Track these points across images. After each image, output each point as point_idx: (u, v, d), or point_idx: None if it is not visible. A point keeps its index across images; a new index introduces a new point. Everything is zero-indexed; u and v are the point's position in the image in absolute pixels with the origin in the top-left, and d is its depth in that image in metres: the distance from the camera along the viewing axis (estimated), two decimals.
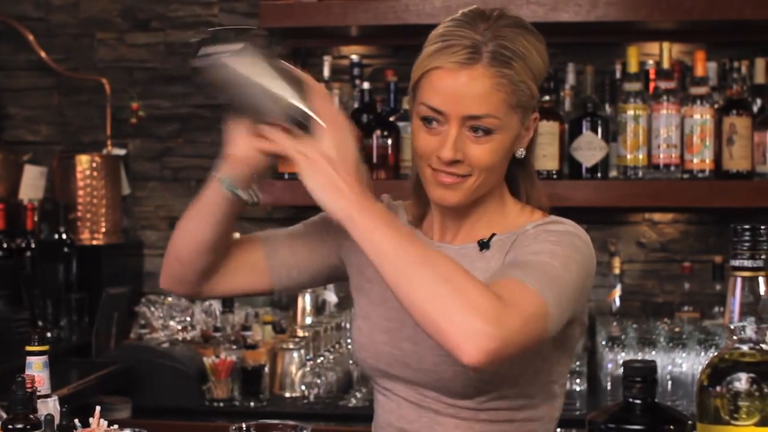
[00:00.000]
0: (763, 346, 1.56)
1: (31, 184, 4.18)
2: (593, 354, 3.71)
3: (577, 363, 3.54)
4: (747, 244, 1.53)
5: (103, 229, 4.11)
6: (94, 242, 4.09)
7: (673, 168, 3.68)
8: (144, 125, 4.30)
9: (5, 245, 3.95)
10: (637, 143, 3.68)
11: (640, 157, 3.68)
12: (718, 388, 1.54)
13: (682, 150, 3.67)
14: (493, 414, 2.01)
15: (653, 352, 3.50)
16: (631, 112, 3.68)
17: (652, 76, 3.86)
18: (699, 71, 3.67)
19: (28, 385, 1.86)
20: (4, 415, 1.87)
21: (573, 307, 1.92)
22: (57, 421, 1.89)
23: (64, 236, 3.94)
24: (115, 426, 1.90)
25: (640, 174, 3.69)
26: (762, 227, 1.53)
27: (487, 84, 1.91)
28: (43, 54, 4.30)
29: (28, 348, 1.98)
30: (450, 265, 1.78)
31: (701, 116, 3.65)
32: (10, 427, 1.81)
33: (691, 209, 3.99)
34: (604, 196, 3.70)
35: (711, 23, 3.77)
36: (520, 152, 2.03)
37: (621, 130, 3.70)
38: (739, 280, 1.55)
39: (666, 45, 3.69)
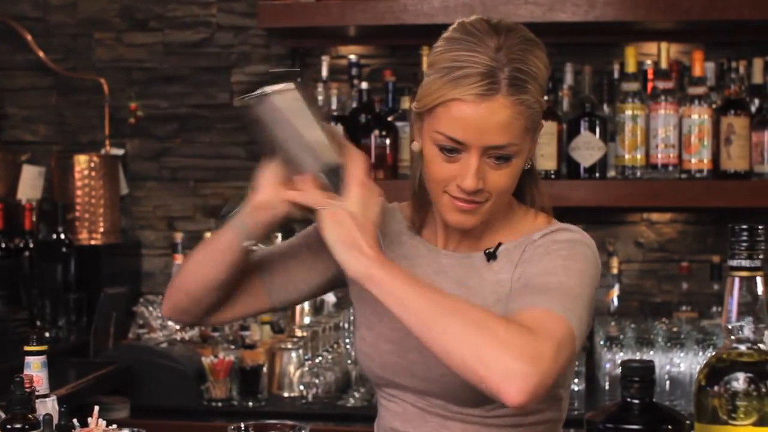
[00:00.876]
0: (761, 345, 1.56)
1: (30, 184, 4.18)
2: (591, 354, 3.71)
3: (576, 363, 3.54)
4: (745, 244, 1.53)
5: (102, 229, 4.12)
6: (93, 242, 4.09)
7: (671, 168, 3.68)
8: (142, 125, 4.30)
9: (3, 245, 3.96)
10: (635, 143, 3.68)
11: (638, 156, 3.68)
12: (716, 388, 1.55)
13: (680, 150, 3.68)
14: (501, 420, 2.01)
15: (651, 352, 3.50)
16: (629, 112, 3.68)
17: (650, 76, 3.85)
18: (697, 71, 3.67)
19: (27, 385, 1.87)
20: (3, 415, 1.87)
21: (591, 319, 1.95)
22: (55, 420, 1.89)
23: (62, 236, 3.94)
24: (114, 426, 1.90)
25: (638, 174, 3.69)
26: (760, 227, 1.54)
27: (508, 114, 1.90)
28: (41, 54, 4.30)
29: (27, 348, 1.98)
30: (476, 310, 1.80)
31: (699, 116, 3.65)
32: (8, 426, 1.81)
33: (689, 209, 3.99)
34: (602, 196, 3.71)
35: (709, 23, 3.77)
36: (528, 163, 2.03)
37: (619, 130, 3.70)
38: (737, 280, 1.55)
39: (664, 45, 3.69)
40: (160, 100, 4.31)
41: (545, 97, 3.67)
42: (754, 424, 1.52)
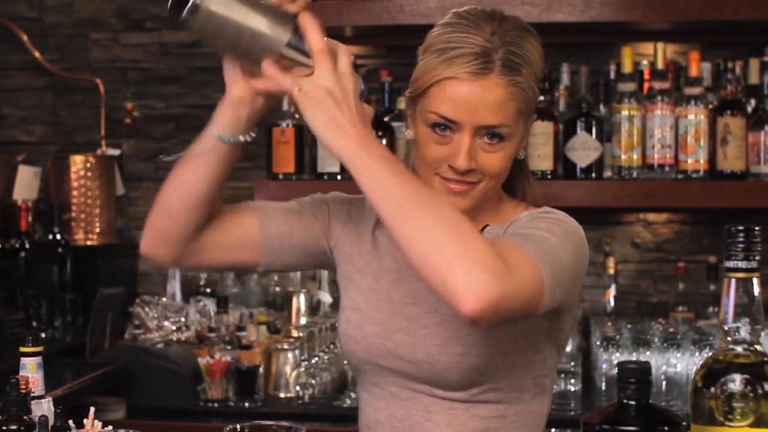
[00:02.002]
0: (758, 347, 1.56)
1: (26, 184, 4.19)
2: (588, 354, 3.72)
3: (572, 363, 3.55)
4: (741, 245, 1.53)
5: (98, 230, 4.12)
6: (89, 243, 4.09)
7: (667, 168, 3.68)
8: (138, 125, 4.31)
9: (0, 246, 3.96)
10: (631, 143, 3.68)
11: (635, 157, 3.68)
12: (712, 389, 1.55)
13: (676, 150, 3.67)
14: (485, 409, 2.01)
15: (648, 353, 3.51)
16: (625, 113, 3.68)
17: (646, 76, 3.85)
18: (693, 71, 3.66)
19: (23, 386, 1.86)
20: None
21: (566, 290, 1.92)
22: (51, 422, 1.89)
23: (58, 237, 3.95)
24: (110, 427, 1.90)
25: (635, 174, 3.69)
26: (756, 228, 1.54)
27: (501, 93, 1.91)
28: (37, 54, 4.32)
29: (23, 349, 1.98)
30: (453, 213, 1.75)
31: (695, 116, 3.65)
32: (4, 428, 1.81)
33: (685, 209, 3.99)
34: (598, 196, 3.70)
35: (705, 23, 3.77)
36: (521, 153, 2.04)
37: (615, 131, 3.70)
38: (733, 281, 1.55)
39: (660, 45, 3.69)
40: (156, 101, 4.32)
41: (541, 97, 3.69)
42: (751, 426, 1.52)
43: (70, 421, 1.94)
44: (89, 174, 4.10)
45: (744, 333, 1.55)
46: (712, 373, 1.56)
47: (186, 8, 1.73)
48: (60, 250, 3.94)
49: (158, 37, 4.32)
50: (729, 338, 1.56)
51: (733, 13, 3.64)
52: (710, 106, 3.71)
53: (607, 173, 3.76)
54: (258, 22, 1.77)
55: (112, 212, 4.20)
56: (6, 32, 4.34)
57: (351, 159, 1.76)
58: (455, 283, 1.68)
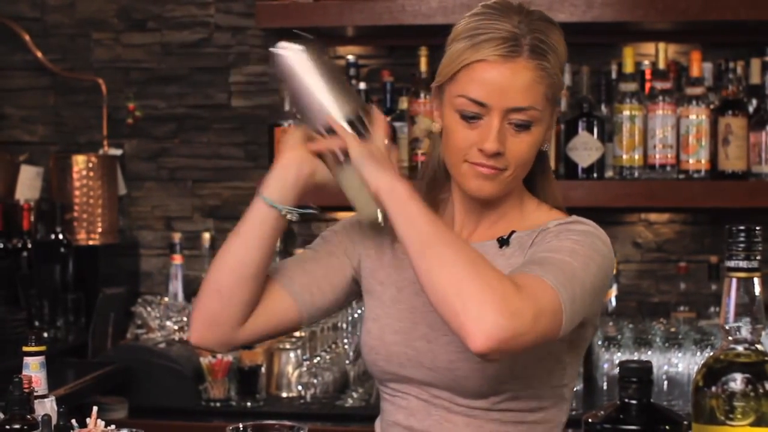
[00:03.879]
0: (758, 346, 1.57)
1: (28, 184, 4.18)
2: (589, 354, 3.71)
3: (580, 364, 3.55)
4: (742, 245, 1.54)
5: (100, 230, 4.11)
6: (91, 242, 4.09)
7: (668, 168, 3.69)
8: (140, 125, 4.30)
9: (2, 245, 3.94)
10: (633, 143, 3.69)
11: (636, 157, 3.70)
12: (713, 389, 1.55)
13: (677, 150, 3.69)
14: (504, 415, 2.02)
15: (649, 352, 3.52)
16: (627, 113, 3.69)
17: (647, 76, 3.86)
18: (695, 72, 3.68)
19: (26, 386, 1.88)
20: (2, 416, 1.87)
21: (587, 309, 1.94)
22: (54, 421, 1.90)
23: (60, 236, 3.95)
24: (112, 426, 1.90)
25: (636, 174, 3.70)
26: (757, 228, 1.54)
27: (529, 76, 1.94)
28: (39, 54, 4.30)
29: (25, 348, 1.99)
30: (475, 253, 1.82)
31: (697, 116, 3.66)
32: (7, 427, 1.82)
33: (686, 209, 4.00)
34: (600, 196, 3.71)
35: (706, 24, 3.78)
36: (546, 145, 2.06)
37: (617, 131, 3.71)
38: (734, 281, 1.56)
39: (662, 45, 3.70)
40: (158, 101, 4.31)
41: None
42: (752, 425, 1.53)
43: (73, 421, 1.95)
44: (91, 174, 4.10)
45: (745, 332, 1.55)
46: (713, 373, 1.56)
47: (277, 48, 1.96)
48: (62, 249, 3.94)
49: (160, 37, 4.32)
50: (730, 338, 1.56)
51: (734, 13, 3.65)
52: (711, 106, 3.72)
53: (609, 173, 3.77)
54: (333, 91, 1.96)
55: (114, 212, 4.20)
56: (8, 32, 4.33)
57: (393, 191, 1.88)
58: (467, 320, 1.74)
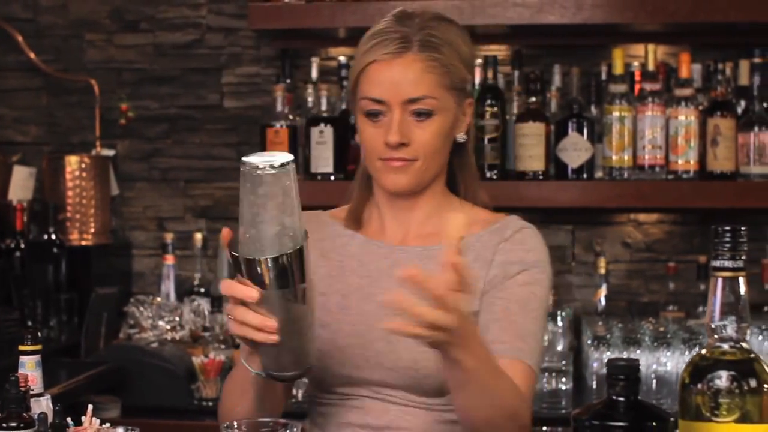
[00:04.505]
0: (744, 344, 1.60)
1: (21, 184, 4.19)
2: (579, 353, 3.75)
3: (563, 362, 3.58)
4: (728, 245, 1.57)
5: (92, 230, 4.13)
6: (83, 243, 4.10)
7: (658, 169, 3.71)
8: (132, 126, 4.31)
9: None
10: (622, 144, 3.71)
11: (626, 158, 3.72)
12: (699, 386, 1.58)
13: (666, 151, 3.71)
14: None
15: (638, 351, 3.53)
16: (616, 114, 3.71)
17: (637, 77, 3.88)
18: (684, 73, 3.70)
19: (22, 384, 1.89)
20: None
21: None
22: (50, 419, 1.91)
23: (53, 237, 3.95)
24: (107, 424, 1.92)
25: (626, 175, 3.72)
26: (742, 228, 1.57)
27: (420, 68, 2.05)
28: (32, 55, 4.31)
29: (21, 347, 2.00)
30: (509, 395, 1.94)
31: (686, 118, 3.68)
32: (3, 425, 1.83)
33: (675, 210, 4.02)
34: (589, 196, 3.74)
35: (696, 25, 3.80)
36: (461, 136, 2.16)
37: (606, 132, 3.73)
38: (720, 280, 1.59)
39: (651, 47, 3.72)
40: (150, 101, 4.33)
41: (533, 98, 3.67)
42: (737, 421, 1.55)
43: (68, 419, 1.96)
44: (84, 174, 4.12)
45: (730, 331, 1.58)
46: (700, 370, 1.59)
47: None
48: (55, 250, 3.95)
49: (152, 38, 4.33)
50: (716, 336, 1.59)
51: (723, 15, 3.67)
52: (700, 108, 3.74)
53: (599, 174, 3.79)
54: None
55: (107, 212, 4.21)
56: (1, 33, 4.34)
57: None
58: None
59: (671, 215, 4.09)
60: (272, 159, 1.75)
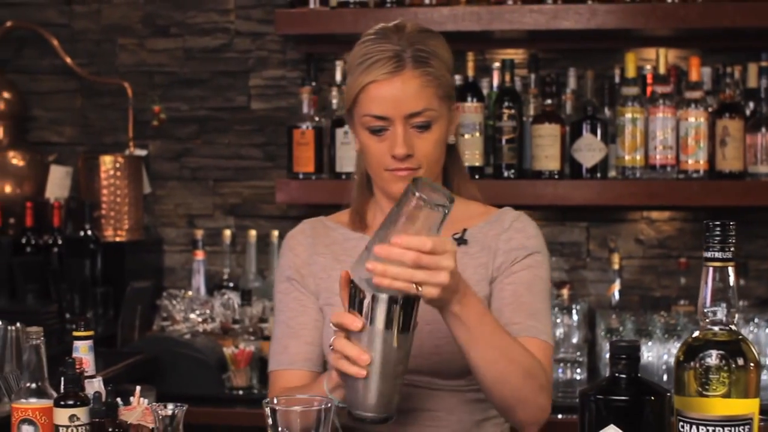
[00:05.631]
0: (732, 327, 1.72)
1: (57, 183, 4.28)
2: (593, 345, 3.80)
3: (578, 353, 3.68)
4: (718, 238, 1.69)
5: (126, 226, 4.20)
6: (117, 239, 4.17)
7: (669, 168, 3.78)
8: (163, 127, 4.38)
9: (33, 242, 4.08)
10: (634, 145, 3.78)
11: (638, 158, 3.78)
12: (691, 364, 1.70)
13: (677, 151, 3.77)
14: (480, 393, 2.18)
15: (650, 343, 3.62)
16: (629, 115, 3.78)
17: (649, 80, 3.92)
18: (694, 76, 3.76)
19: (77, 366, 2.03)
20: (55, 394, 2.03)
21: None
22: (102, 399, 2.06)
23: (89, 233, 4.04)
24: (155, 402, 2.05)
25: (638, 174, 3.79)
26: (731, 223, 1.69)
27: (417, 83, 2.18)
28: (67, 59, 4.38)
29: (75, 333, 2.13)
30: (527, 357, 2.07)
31: (696, 119, 3.75)
32: (62, 402, 1.98)
33: (686, 208, 4.06)
34: (603, 195, 3.81)
35: (705, 30, 3.87)
36: (451, 138, 2.29)
37: (619, 133, 3.80)
38: (711, 269, 1.71)
39: (662, 51, 3.77)
40: (180, 103, 4.40)
41: (549, 101, 3.73)
42: (724, 396, 1.68)
43: (118, 399, 2.10)
44: (118, 173, 4.19)
45: (720, 315, 1.70)
46: (692, 350, 1.71)
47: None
48: (91, 245, 4.02)
49: (183, 42, 4.40)
50: (707, 320, 1.72)
51: (731, 20, 3.74)
52: (710, 109, 3.79)
53: (612, 173, 3.86)
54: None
55: (140, 210, 4.27)
56: (37, 38, 4.42)
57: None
58: (520, 417, 2.10)
59: (682, 213, 4.13)
60: (444, 196, 1.89)
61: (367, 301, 1.87)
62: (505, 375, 2.02)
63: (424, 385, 2.23)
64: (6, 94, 4.38)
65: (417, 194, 1.83)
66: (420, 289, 1.84)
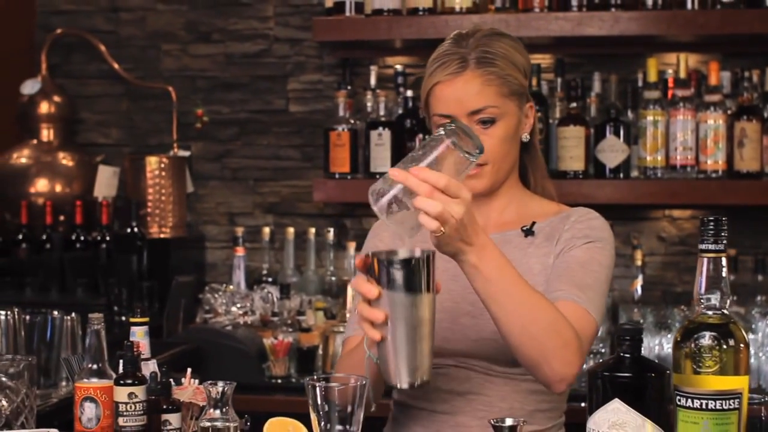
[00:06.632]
0: (725, 311, 1.87)
1: (105, 182, 4.39)
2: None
3: (601, 345, 3.77)
4: (712, 231, 1.85)
5: (170, 224, 4.32)
6: (162, 235, 4.28)
7: (688, 168, 3.88)
8: (206, 129, 4.49)
9: (83, 238, 4.24)
10: (656, 146, 3.88)
11: (659, 158, 3.88)
12: (687, 344, 1.85)
13: (697, 152, 3.86)
14: (535, 382, 2.22)
15: (669, 336, 3.71)
16: (650, 118, 3.88)
17: (670, 84, 4.00)
18: (713, 80, 3.85)
19: (135, 349, 2.20)
20: (114, 375, 2.21)
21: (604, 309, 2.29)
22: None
23: (135, 230, 4.16)
24: (206, 383, 2.15)
25: (659, 174, 3.89)
26: (724, 218, 1.86)
27: (478, 82, 2.28)
28: (114, 64, 4.51)
29: (132, 319, 2.29)
30: (551, 311, 2.07)
31: (715, 121, 3.84)
32: (122, 382, 2.14)
33: (705, 206, 4.12)
34: (626, 194, 3.91)
35: (724, 36, 3.95)
36: (525, 136, 2.38)
37: (641, 134, 3.89)
38: (705, 260, 1.87)
39: (683, 56, 3.87)
40: (222, 106, 4.51)
41: (574, 104, 3.81)
42: (715, 373, 1.81)
43: (171, 380, 2.25)
44: (163, 173, 4.31)
45: (714, 301, 1.85)
46: (688, 331, 1.86)
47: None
48: (137, 242, 4.15)
49: (224, 48, 4.52)
50: (702, 305, 1.86)
51: (749, 27, 3.83)
52: (728, 112, 3.88)
53: (634, 173, 3.97)
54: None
55: (183, 208, 4.39)
56: (85, 44, 4.56)
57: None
58: (549, 371, 2.07)
59: (702, 211, 4.18)
60: (474, 146, 1.93)
61: (382, 266, 1.87)
62: (527, 328, 2.02)
63: (482, 370, 2.30)
64: (56, 98, 4.52)
65: (449, 138, 1.90)
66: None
